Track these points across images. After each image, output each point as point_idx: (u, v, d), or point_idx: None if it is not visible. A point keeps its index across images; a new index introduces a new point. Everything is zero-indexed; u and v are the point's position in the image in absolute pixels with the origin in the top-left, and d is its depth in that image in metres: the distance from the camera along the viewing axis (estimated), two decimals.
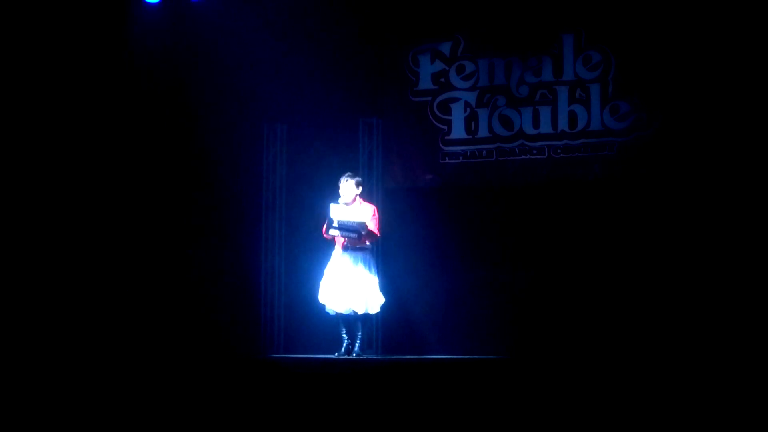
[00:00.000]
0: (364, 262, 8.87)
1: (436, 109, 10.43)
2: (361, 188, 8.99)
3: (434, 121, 10.42)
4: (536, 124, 10.12)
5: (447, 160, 10.36)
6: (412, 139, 10.49)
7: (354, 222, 8.69)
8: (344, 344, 8.90)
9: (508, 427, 5.90)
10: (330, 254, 9.01)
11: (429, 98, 10.47)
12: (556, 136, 10.04)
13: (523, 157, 10.12)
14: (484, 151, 10.27)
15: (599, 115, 9.88)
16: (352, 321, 8.88)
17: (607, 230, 9.69)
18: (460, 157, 10.32)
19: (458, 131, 10.36)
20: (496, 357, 9.22)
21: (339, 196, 8.94)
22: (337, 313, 8.88)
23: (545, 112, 10.09)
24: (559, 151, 10.00)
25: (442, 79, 10.45)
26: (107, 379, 6.81)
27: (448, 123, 10.40)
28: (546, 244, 9.94)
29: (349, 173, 9.05)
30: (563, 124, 10.01)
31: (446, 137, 10.39)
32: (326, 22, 10.43)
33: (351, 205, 8.89)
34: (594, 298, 9.62)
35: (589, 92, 9.94)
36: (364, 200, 9.07)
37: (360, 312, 8.80)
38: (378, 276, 9.00)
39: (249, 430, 6.07)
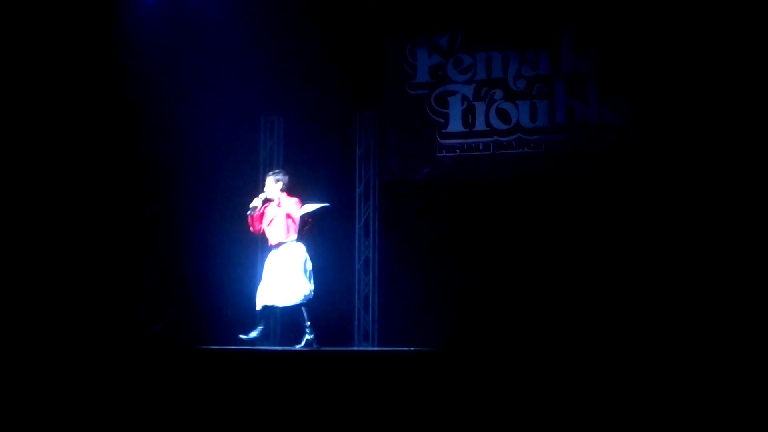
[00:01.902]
0: (289, 255, 8.83)
1: (433, 103, 10.44)
2: (281, 183, 8.93)
3: (431, 115, 10.43)
4: (533, 117, 10.13)
5: (444, 153, 10.36)
6: (409, 132, 10.50)
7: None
8: (258, 331, 8.86)
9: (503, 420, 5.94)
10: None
11: (426, 91, 10.48)
12: (553, 130, 10.05)
13: (520, 150, 10.12)
14: (481, 145, 10.28)
15: (596, 108, 9.89)
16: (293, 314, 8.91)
17: (604, 224, 9.70)
18: (457, 150, 10.33)
19: (455, 124, 10.37)
20: (498, 351, 9.20)
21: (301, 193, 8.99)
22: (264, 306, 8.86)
23: (542, 106, 10.10)
24: (556, 144, 10.01)
25: (440, 73, 10.46)
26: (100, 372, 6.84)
27: (446, 116, 10.41)
28: (543, 238, 9.94)
29: (274, 170, 9.06)
30: (560, 117, 10.02)
31: (443, 130, 10.40)
32: (324, 15, 10.42)
33: (273, 202, 8.92)
34: (592, 292, 9.61)
35: (586, 86, 9.95)
36: (289, 194, 9.01)
37: (282, 304, 8.81)
38: (304, 266, 8.89)
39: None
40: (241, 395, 6.36)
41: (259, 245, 10.67)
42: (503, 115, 10.21)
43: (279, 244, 8.89)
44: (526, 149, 10.09)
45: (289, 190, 9.08)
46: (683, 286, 9.23)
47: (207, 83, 10.51)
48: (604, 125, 9.84)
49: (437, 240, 10.25)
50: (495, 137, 10.23)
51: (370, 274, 10.45)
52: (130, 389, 6.43)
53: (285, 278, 8.76)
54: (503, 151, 10.18)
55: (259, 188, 10.68)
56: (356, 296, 10.44)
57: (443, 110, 10.41)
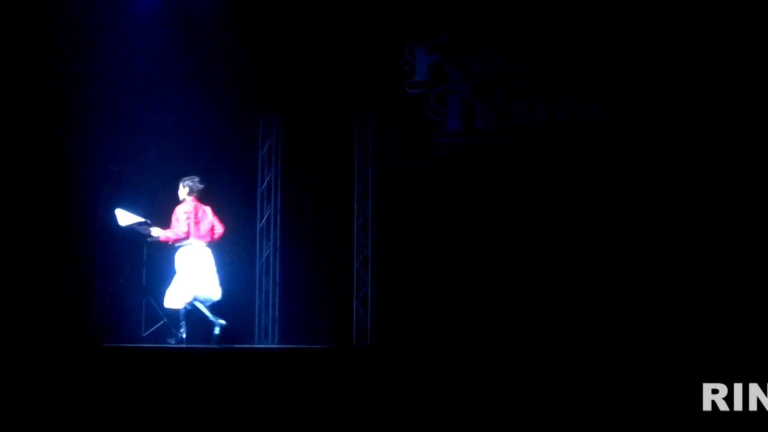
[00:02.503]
0: (175, 259, 9.06)
1: (432, 101, 10.43)
2: (187, 189, 9.15)
3: (430, 113, 10.41)
4: (532, 116, 10.11)
5: (443, 152, 10.35)
6: (407, 131, 10.49)
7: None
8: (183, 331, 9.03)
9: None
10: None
11: (425, 90, 10.46)
12: (552, 129, 10.04)
13: (519, 149, 10.11)
14: (480, 144, 10.27)
15: (596, 107, 9.88)
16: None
17: (605, 222, 9.69)
18: (456, 149, 10.32)
19: (454, 123, 10.36)
20: (511, 349, 9.17)
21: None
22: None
23: (542, 105, 10.09)
24: (555, 142, 9.99)
25: (439, 71, 10.45)
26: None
27: (444, 115, 10.39)
28: (543, 236, 9.92)
29: (185, 177, 9.19)
30: (560, 116, 10.01)
31: (442, 129, 10.38)
32: (322, 13, 10.41)
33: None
34: (595, 291, 9.57)
35: (585, 85, 9.95)
36: (197, 200, 9.17)
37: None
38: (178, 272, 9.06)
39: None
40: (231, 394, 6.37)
41: (256, 242, 10.69)
42: (502, 115, 10.20)
43: (178, 245, 9.06)
44: (524, 148, 10.08)
45: (201, 197, 9.15)
46: (685, 280, 9.25)
47: (205, 82, 10.50)
48: (603, 123, 9.84)
49: (436, 239, 10.23)
50: (494, 136, 10.21)
51: (369, 273, 10.44)
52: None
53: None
54: (502, 150, 10.17)
55: (257, 187, 10.73)
56: (354, 295, 10.42)
57: (442, 109, 10.40)
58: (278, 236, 10.59)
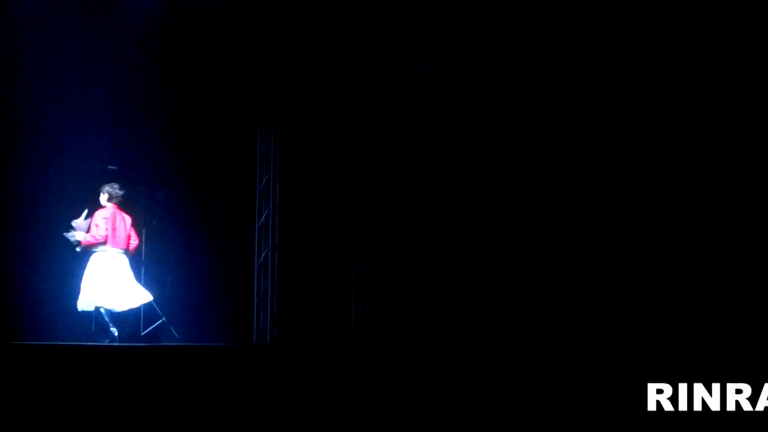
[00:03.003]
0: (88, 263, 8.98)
1: (431, 101, 10.46)
2: (107, 195, 9.06)
3: (430, 113, 10.45)
4: (531, 115, 10.16)
5: (443, 152, 10.39)
6: (406, 131, 10.52)
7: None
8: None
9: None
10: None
11: (425, 90, 10.50)
12: (551, 128, 10.08)
13: (517, 148, 10.16)
14: (479, 143, 10.32)
15: (592, 107, 9.94)
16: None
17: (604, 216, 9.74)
18: (457, 149, 10.36)
19: (453, 123, 10.39)
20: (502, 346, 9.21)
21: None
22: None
23: (539, 105, 10.13)
24: (554, 142, 10.04)
25: (438, 72, 10.47)
26: None
27: (444, 114, 10.42)
28: (543, 234, 9.96)
29: (105, 184, 9.14)
30: (557, 115, 10.05)
31: (442, 129, 10.42)
32: (323, 14, 10.43)
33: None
34: (600, 291, 9.62)
35: (582, 85, 9.99)
36: (118, 207, 9.08)
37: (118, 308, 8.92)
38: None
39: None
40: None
41: (254, 241, 10.70)
42: (501, 115, 10.24)
43: (95, 251, 8.98)
44: (524, 148, 10.13)
45: (122, 204, 9.07)
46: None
47: (204, 81, 10.51)
48: (601, 124, 9.91)
49: (434, 238, 10.26)
50: (492, 136, 10.26)
51: (367, 272, 10.46)
52: None
53: (113, 283, 8.87)
54: (502, 148, 10.22)
55: (255, 186, 10.75)
56: (353, 294, 10.45)
57: (441, 108, 10.44)
58: (276, 235, 10.61)
